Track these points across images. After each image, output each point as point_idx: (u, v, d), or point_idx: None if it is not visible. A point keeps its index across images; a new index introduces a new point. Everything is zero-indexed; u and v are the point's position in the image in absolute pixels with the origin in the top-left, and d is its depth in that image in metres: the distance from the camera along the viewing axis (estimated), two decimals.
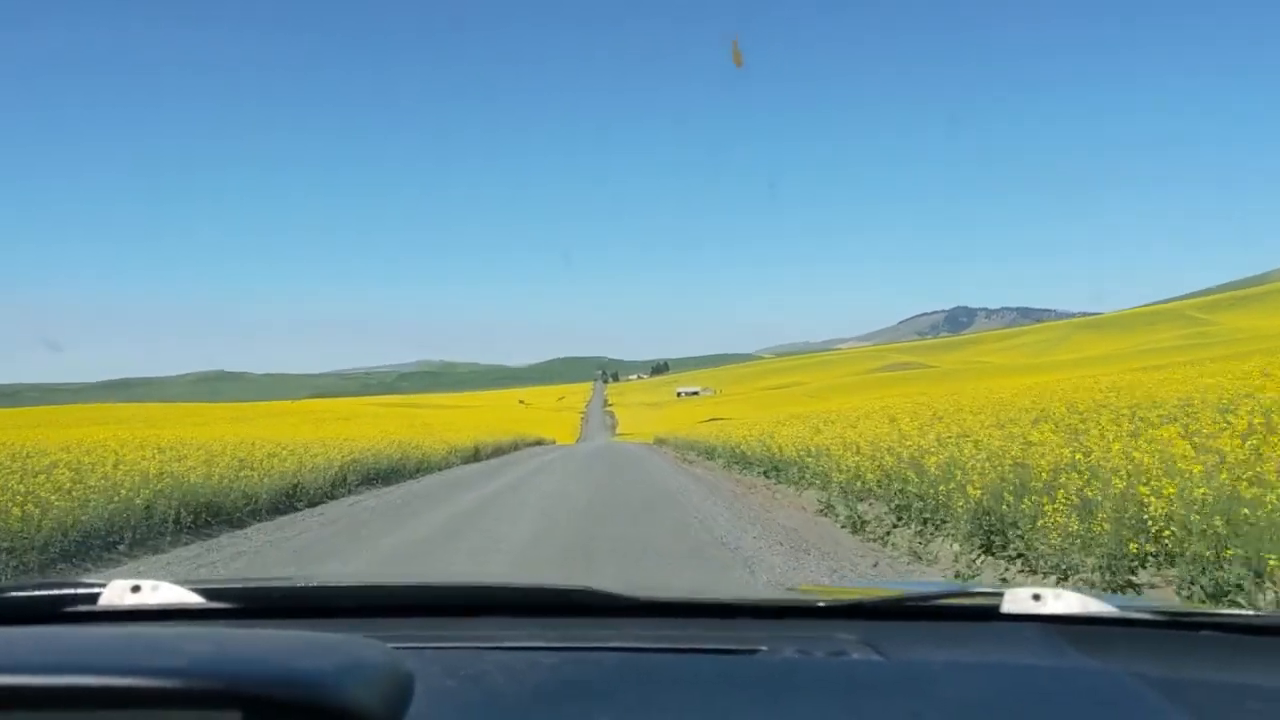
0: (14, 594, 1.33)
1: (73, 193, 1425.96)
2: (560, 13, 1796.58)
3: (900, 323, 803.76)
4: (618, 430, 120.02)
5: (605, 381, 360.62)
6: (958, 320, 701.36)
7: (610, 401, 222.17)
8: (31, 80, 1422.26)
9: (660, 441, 46.84)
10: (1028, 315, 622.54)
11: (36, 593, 1.32)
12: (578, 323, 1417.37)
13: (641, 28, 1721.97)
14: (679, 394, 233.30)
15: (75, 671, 0.60)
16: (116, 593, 1.24)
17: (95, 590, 1.25)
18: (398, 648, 0.84)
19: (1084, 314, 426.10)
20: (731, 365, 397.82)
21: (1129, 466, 6.20)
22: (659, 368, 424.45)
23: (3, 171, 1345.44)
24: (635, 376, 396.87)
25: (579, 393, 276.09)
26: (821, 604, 1.32)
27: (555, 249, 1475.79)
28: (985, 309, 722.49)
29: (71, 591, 1.27)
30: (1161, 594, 5.37)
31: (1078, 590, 1.27)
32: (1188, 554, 5.22)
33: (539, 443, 54.14)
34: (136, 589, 1.24)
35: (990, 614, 1.23)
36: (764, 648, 1.14)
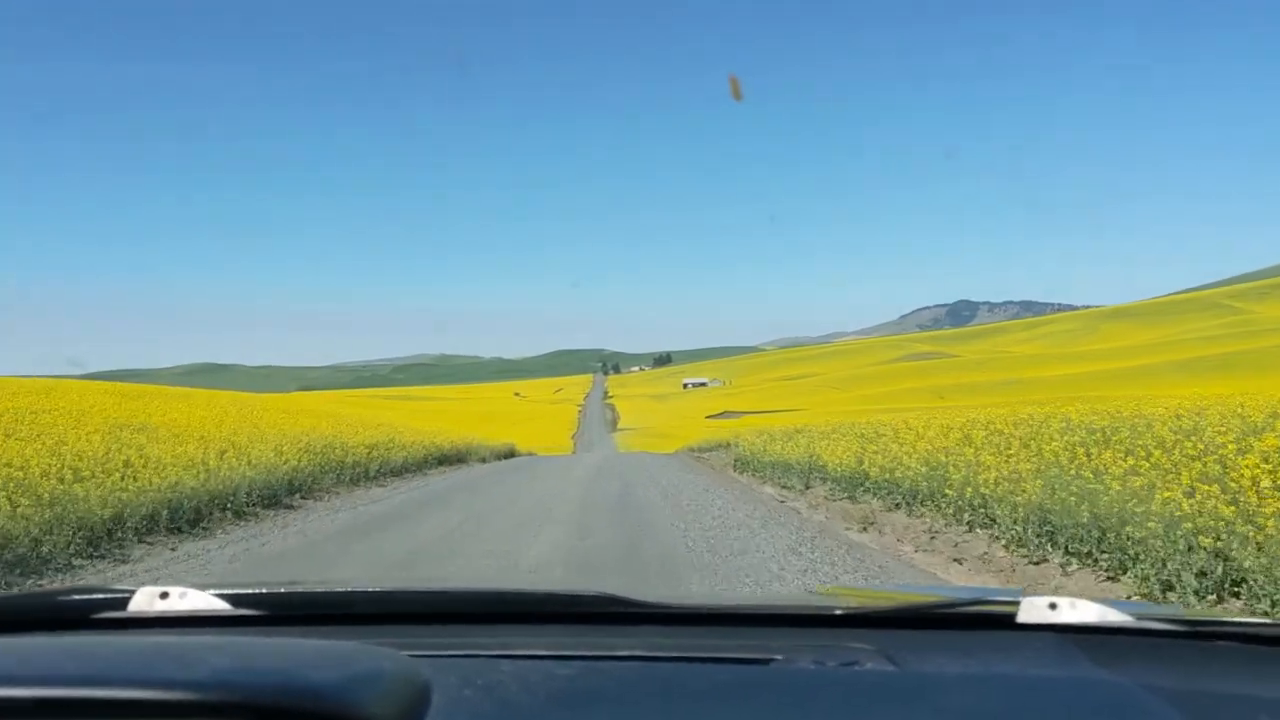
0: (47, 599, 1.38)
1: (64, 187, 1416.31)
2: (554, 8, 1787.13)
3: (902, 316, 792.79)
4: (620, 425, 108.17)
5: (605, 374, 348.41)
6: (960, 314, 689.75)
7: (611, 394, 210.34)
8: (19, 75, 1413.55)
9: (780, 472, 16.31)
10: (1030, 309, 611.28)
11: (69, 598, 1.37)
12: (578, 315, 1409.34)
13: (642, 25, 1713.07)
14: (685, 385, 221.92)
15: (99, 684, 0.62)
16: (145, 599, 1.27)
17: (124, 596, 1.28)
18: (415, 655, 0.85)
19: (1088, 306, 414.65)
20: (735, 357, 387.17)
21: None
22: (661, 359, 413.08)
23: None
24: (637, 368, 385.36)
25: (578, 385, 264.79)
26: (839, 612, 1.31)
27: (554, 242, 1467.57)
28: (988, 303, 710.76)
29: (102, 597, 1.31)
30: None
31: (1096, 599, 1.24)
32: None
33: (459, 460, 23.66)
34: (165, 595, 1.28)
35: (1005, 622, 1.22)
36: (779, 657, 1.13)
